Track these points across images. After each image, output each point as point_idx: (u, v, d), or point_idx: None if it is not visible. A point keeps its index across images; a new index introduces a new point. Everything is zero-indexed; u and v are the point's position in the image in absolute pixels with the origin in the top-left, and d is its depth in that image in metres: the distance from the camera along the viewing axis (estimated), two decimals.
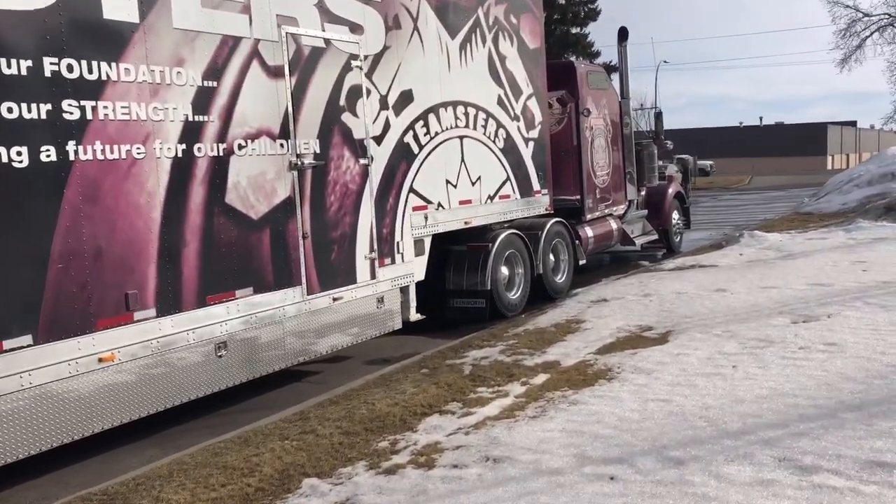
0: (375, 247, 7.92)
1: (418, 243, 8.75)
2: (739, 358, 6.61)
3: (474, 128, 9.65)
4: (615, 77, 15.49)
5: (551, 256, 11.55)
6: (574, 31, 36.52)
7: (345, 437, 5.59)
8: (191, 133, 6.10)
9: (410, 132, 8.52)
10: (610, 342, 7.76)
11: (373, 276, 7.91)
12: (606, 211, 13.44)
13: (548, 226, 11.23)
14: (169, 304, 5.92)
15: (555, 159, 12.21)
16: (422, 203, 8.70)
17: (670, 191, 15.89)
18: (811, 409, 5.24)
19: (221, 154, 6.34)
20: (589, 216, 12.80)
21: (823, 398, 5.41)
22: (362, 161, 7.77)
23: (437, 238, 9.27)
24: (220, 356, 6.33)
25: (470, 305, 10.06)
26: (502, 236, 10.20)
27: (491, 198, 10.00)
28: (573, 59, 12.75)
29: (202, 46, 6.19)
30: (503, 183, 10.24)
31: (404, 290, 8.63)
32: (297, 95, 7.05)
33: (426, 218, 8.76)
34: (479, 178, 9.72)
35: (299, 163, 7.03)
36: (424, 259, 8.84)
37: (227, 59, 6.40)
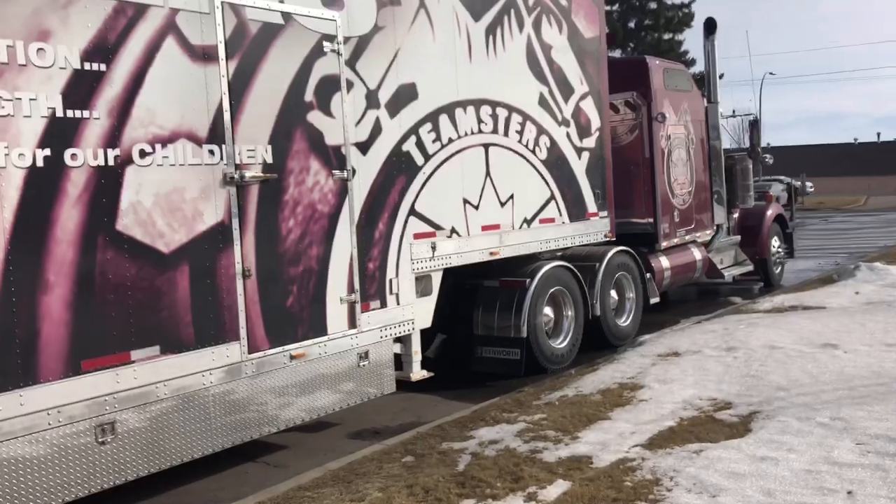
0: (357, 286, 6.04)
1: (423, 280, 6.82)
2: (859, 474, 4.36)
3: (505, 133, 7.66)
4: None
5: (613, 294, 9.39)
6: (667, 37, 33.87)
7: None
8: (60, 134, 4.39)
9: (412, 138, 6.62)
10: (668, 426, 5.59)
11: (352, 324, 6.03)
12: (688, 237, 11.15)
13: (608, 256, 9.09)
14: (16, 374, 4.20)
15: (622, 175, 10.08)
16: (427, 229, 6.77)
17: (769, 213, 13.38)
18: None
19: (112, 164, 4.61)
20: (665, 243, 10.56)
21: None
22: (338, 174, 5.92)
23: (454, 273, 7.33)
24: (104, 443, 4.56)
25: (501, 356, 8.04)
26: (545, 269, 8.15)
27: (528, 222, 7.97)
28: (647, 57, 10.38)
29: (82, 14, 4.49)
30: (545, 203, 8.19)
31: (403, 341, 6.71)
32: (238, 87, 5.28)
33: (434, 248, 6.82)
34: (510, 197, 7.71)
35: (239, 176, 5.24)
36: (431, 301, 6.90)
37: (125, 34, 4.68)
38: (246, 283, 5.28)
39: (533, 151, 8.01)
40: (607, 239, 9.20)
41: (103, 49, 4.58)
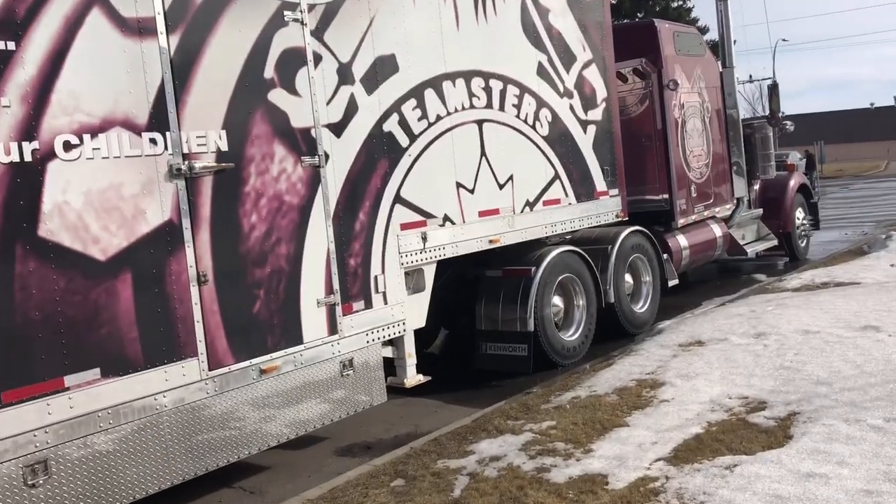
0: (336, 286, 5.35)
1: (413, 275, 6.12)
2: None
3: (501, 108, 6.91)
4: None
5: (628, 278, 8.65)
6: (675, 4, 32.77)
7: None
8: None
9: (394, 116, 5.89)
10: (695, 434, 4.87)
11: (333, 329, 5.34)
12: (706, 213, 10.38)
13: (621, 238, 8.35)
14: None
15: (633, 149, 9.33)
16: (416, 218, 6.06)
17: (792, 183, 12.57)
18: None
19: (30, 159, 3.93)
20: (682, 221, 9.80)
21: None
22: (308, 160, 5.22)
23: (453, 263, 6.63)
24: (34, 485, 3.91)
25: (507, 353, 7.34)
26: (552, 256, 7.42)
27: (531, 205, 7.23)
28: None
29: None
30: (549, 183, 7.45)
31: (395, 344, 6.03)
32: (184, 64, 4.57)
33: (424, 238, 6.11)
34: (509, 178, 6.97)
35: (188, 167, 4.54)
36: (425, 298, 6.20)
37: (37, 7, 3.98)
38: (202, 290, 4.60)
39: (533, 127, 7.26)
40: (619, 219, 8.44)
41: (10, 24, 3.88)
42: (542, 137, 7.36)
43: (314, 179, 5.25)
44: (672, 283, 9.35)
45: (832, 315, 7.49)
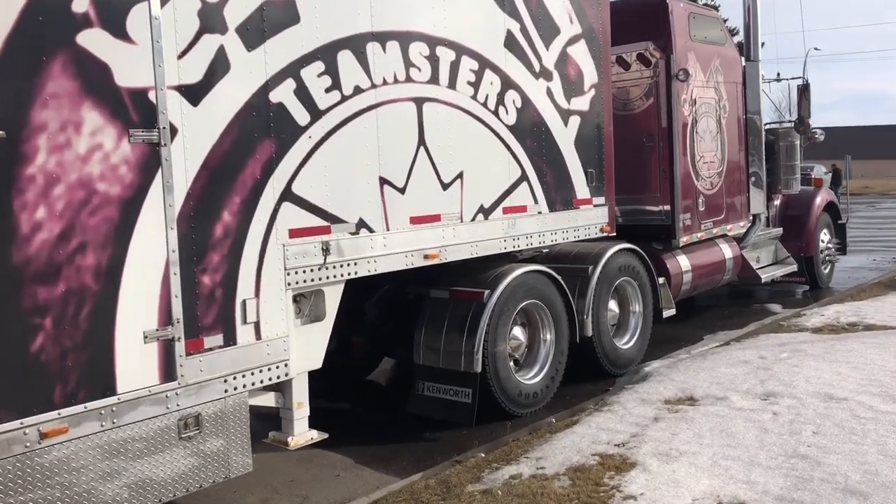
0: (178, 314, 3.82)
1: (308, 300, 4.59)
2: None
3: (451, 85, 5.35)
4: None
5: (612, 306, 7.09)
6: None
7: None
8: None
9: (288, 84, 4.34)
10: None
11: (168, 374, 3.81)
12: (716, 230, 8.77)
13: (606, 257, 6.78)
14: None
15: (631, 150, 7.80)
16: (315, 222, 4.51)
17: (818, 200, 10.92)
18: None
19: None
20: (685, 238, 8.21)
21: None
22: (141, 134, 3.68)
23: (391, 279, 5.13)
24: None
25: (447, 397, 5.80)
26: (512, 277, 5.86)
27: (486, 211, 5.67)
28: None
29: None
30: (514, 185, 5.88)
31: (282, 389, 4.50)
32: None
33: (326, 250, 4.56)
34: (458, 175, 5.41)
35: None
36: (323, 329, 4.65)
37: None
38: None
39: (495, 113, 5.69)
40: (604, 234, 6.86)
41: None
42: (508, 127, 5.79)
43: (150, 162, 3.72)
44: (668, 313, 7.76)
45: (863, 374, 5.89)
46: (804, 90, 10.55)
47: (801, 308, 9.42)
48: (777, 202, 10.54)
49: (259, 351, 4.21)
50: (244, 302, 4.12)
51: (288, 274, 4.35)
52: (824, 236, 11.10)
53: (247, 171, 4.13)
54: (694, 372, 6.35)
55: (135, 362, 3.68)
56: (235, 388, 4.10)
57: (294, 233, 4.37)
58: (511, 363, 6.06)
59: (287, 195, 4.33)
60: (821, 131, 11.53)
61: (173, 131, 3.80)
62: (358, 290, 5.44)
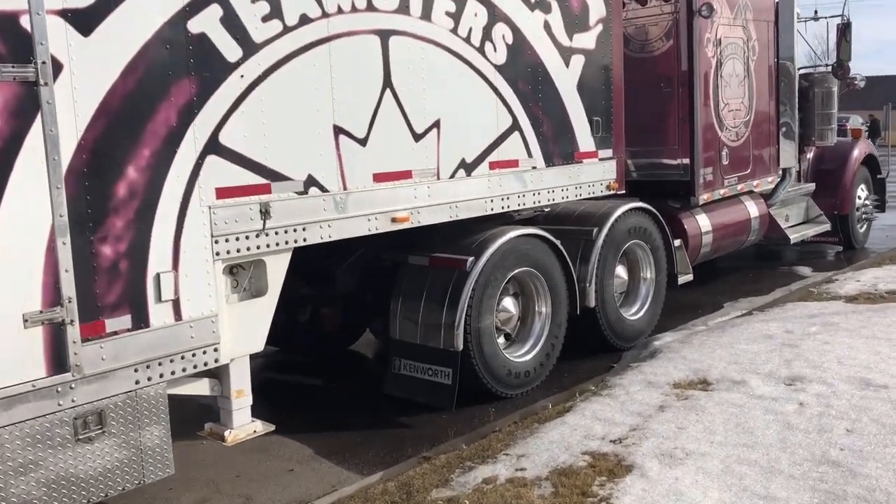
0: (69, 291, 3.13)
1: (246, 272, 3.88)
2: None
3: (425, 16, 4.53)
4: None
5: (621, 272, 6.33)
6: None
7: None
8: None
9: (213, 10, 3.57)
10: None
11: (59, 364, 3.14)
12: (741, 186, 7.92)
13: (613, 217, 6.00)
14: None
15: (647, 96, 6.98)
16: (251, 179, 3.78)
17: (855, 153, 9.98)
18: None
19: None
20: (705, 195, 7.39)
21: None
22: (13, 71, 2.96)
23: (364, 244, 4.42)
24: None
25: (426, 377, 5.12)
26: (500, 242, 5.12)
27: (468, 166, 4.90)
28: None
29: None
30: (503, 136, 5.09)
31: (215, 376, 3.83)
32: None
33: (265, 213, 3.83)
34: (434, 124, 4.63)
35: None
36: (265, 305, 3.94)
37: None
38: None
39: (481, 50, 4.87)
40: (611, 191, 6.07)
41: None
42: (496, 67, 4.98)
43: (24, 106, 2.99)
44: (684, 279, 6.99)
45: None
46: (845, 30, 9.50)
47: (833, 272, 8.57)
48: (810, 155, 9.61)
49: (180, 334, 3.52)
50: (158, 276, 3.42)
51: (216, 242, 3.64)
52: (861, 192, 10.17)
53: (158, 117, 3.39)
54: (709, 349, 5.60)
55: (11, 351, 3.01)
56: (150, 379, 3.43)
57: (223, 192, 3.65)
58: (501, 339, 5.36)
59: (213, 147, 3.60)
60: (861, 77, 10.48)
61: (57, 67, 3.07)
62: (327, 256, 4.75)
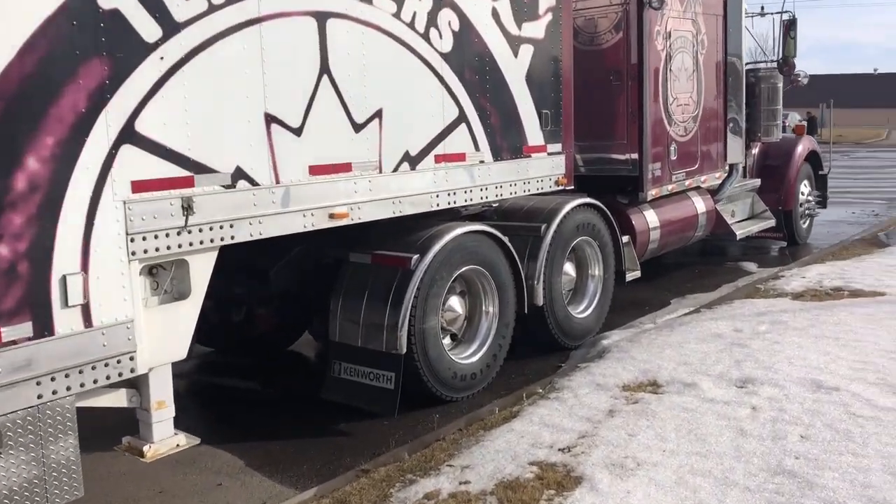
0: None
1: (165, 272, 3.55)
2: None
3: None
4: None
5: (569, 269, 6.15)
6: None
7: None
8: None
9: None
10: None
11: None
12: (688, 182, 7.83)
13: (562, 213, 5.80)
14: None
15: (596, 89, 6.80)
16: (171, 171, 3.45)
17: (799, 149, 10.03)
18: None
19: None
20: (654, 191, 7.27)
21: None
22: None
23: (304, 240, 4.11)
24: None
25: (366, 381, 4.84)
26: (447, 239, 4.87)
27: (413, 159, 4.63)
28: None
29: None
30: (449, 128, 4.84)
31: (134, 386, 3.50)
32: None
33: (188, 208, 3.50)
34: (376, 114, 4.35)
35: None
36: (190, 308, 3.62)
37: None
38: None
39: (425, 36, 4.61)
40: (560, 187, 5.87)
41: None
42: (441, 55, 4.72)
43: None
44: (632, 276, 6.85)
45: (854, 354, 5.04)
46: (790, 26, 9.53)
47: (779, 268, 8.57)
48: (755, 151, 9.62)
49: (90, 342, 3.18)
50: (64, 279, 3.08)
51: (132, 240, 3.30)
52: (804, 188, 10.24)
53: (64, 102, 3.04)
54: (658, 348, 5.46)
55: None
56: (55, 392, 3.09)
57: (140, 186, 3.31)
58: (447, 339, 5.12)
59: (128, 135, 3.26)
60: (805, 73, 10.53)
61: None
62: (261, 253, 4.44)
